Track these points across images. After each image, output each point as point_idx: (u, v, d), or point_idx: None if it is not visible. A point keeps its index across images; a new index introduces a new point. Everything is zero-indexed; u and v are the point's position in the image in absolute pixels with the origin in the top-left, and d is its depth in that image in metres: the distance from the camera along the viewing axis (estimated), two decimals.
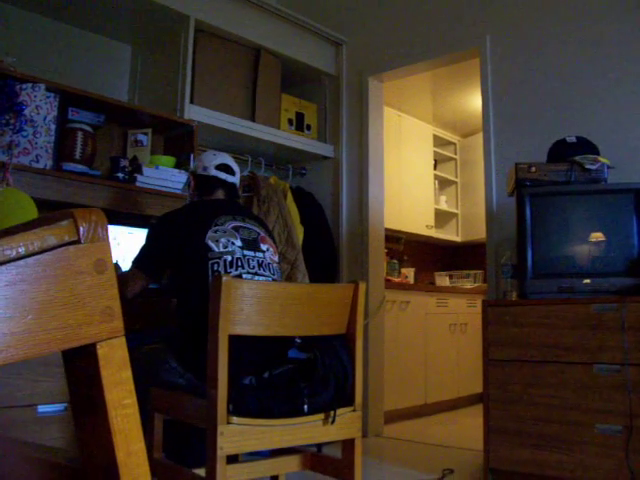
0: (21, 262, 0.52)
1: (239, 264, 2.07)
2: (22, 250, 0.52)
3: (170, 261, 2.17)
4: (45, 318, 0.53)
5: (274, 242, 2.32)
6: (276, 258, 2.26)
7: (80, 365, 0.59)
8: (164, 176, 3.04)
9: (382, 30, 4.15)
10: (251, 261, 2.11)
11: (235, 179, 2.43)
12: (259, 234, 2.22)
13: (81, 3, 3.29)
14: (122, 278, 2.22)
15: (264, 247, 2.19)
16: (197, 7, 3.48)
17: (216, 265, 2.04)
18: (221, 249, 2.07)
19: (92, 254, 0.56)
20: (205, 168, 2.37)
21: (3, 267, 0.51)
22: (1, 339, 0.50)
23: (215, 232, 2.10)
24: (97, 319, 0.57)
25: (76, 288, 0.55)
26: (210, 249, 2.06)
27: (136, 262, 2.24)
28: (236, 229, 2.15)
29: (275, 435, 1.77)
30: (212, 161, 2.39)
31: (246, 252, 2.11)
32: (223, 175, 2.37)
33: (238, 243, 2.11)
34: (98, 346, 0.57)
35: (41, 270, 0.53)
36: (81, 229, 0.55)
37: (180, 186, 3.07)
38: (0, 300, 0.51)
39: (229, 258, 2.06)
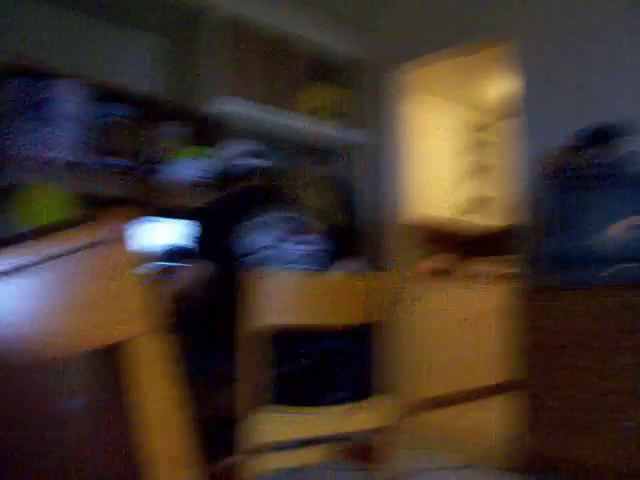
0: (57, 261, 0.53)
1: (277, 256, 2.06)
2: (57, 250, 0.53)
3: (212, 255, 2.13)
4: (82, 316, 0.54)
5: (310, 231, 2.30)
6: (314, 247, 2.24)
7: (115, 361, 0.60)
8: (194, 168, 3.06)
9: (414, 16, 4.09)
10: (289, 252, 2.10)
11: (265, 165, 2.41)
12: (297, 223, 2.21)
13: None
14: (181, 274, 2.14)
15: (302, 237, 2.18)
16: None
17: (254, 257, 2.04)
18: (258, 241, 2.06)
19: (125, 253, 0.56)
20: (232, 158, 2.37)
21: (39, 267, 0.52)
22: (38, 338, 0.51)
23: (253, 224, 2.09)
24: (132, 316, 0.57)
25: (110, 286, 0.56)
26: (247, 241, 2.06)
27: (190, 256, 2.17)
28: (273, 219, 2.14)
29: (307, 424, 1.79)
30: (238, 150, 2.38)
31: (284, 243, 2.10)
32: (254, 161, 2.36)
33: (276, 234, 2.10)
34: (134, 342, 0.58)
35: (76, 269, 0.54)
36: (115, 229, 0.56)
37: (210, 177, 3.08)
38: (37, 299, 0.51)
39: (266, 251, 2.06)
